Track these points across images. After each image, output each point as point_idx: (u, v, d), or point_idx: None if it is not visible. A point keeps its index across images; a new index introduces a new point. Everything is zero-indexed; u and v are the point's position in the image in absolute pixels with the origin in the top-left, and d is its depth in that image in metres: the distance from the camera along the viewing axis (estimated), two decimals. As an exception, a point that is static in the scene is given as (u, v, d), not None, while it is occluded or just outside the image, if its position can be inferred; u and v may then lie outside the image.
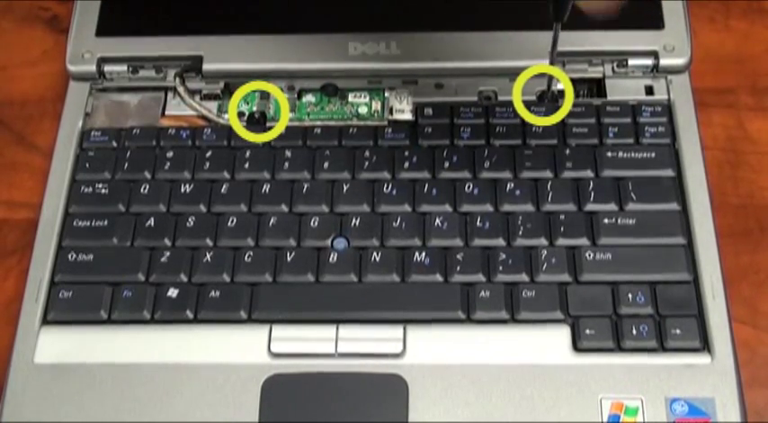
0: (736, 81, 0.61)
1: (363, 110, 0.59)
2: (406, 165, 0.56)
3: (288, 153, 0.57)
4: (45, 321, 0.53)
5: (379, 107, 0.59)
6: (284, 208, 0.55)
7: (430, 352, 0.51)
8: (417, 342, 0.51)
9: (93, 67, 0.59)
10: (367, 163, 0.56)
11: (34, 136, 0.61)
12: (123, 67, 0.60)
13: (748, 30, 0.63)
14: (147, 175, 0.57)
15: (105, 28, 0.60)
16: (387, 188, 0.55)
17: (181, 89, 0.60)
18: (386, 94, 0.59)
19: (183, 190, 0.56)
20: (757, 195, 0.58)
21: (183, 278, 0.53)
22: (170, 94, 0.60)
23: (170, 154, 0.57)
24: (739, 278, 0.54)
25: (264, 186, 0.56)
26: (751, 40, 0.63)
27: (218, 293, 0.53)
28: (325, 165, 0.56)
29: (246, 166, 0.57)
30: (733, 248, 0.55)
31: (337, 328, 0.51)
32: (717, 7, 0.64)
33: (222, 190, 0.56)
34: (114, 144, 0.58)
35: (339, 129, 0.58)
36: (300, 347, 0.51)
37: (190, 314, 0.52)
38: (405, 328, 0.51)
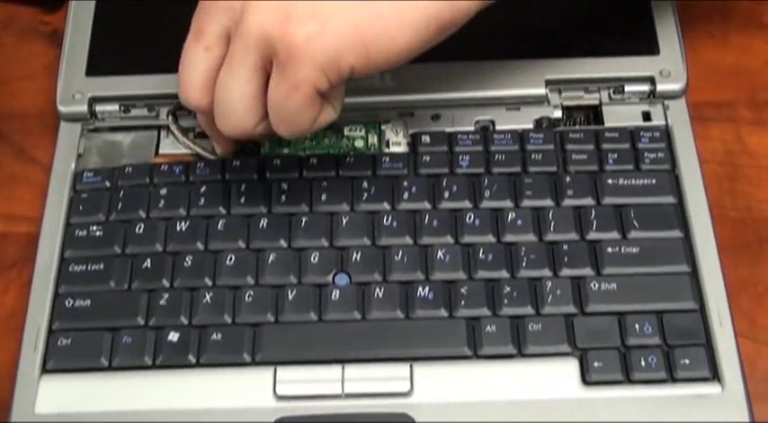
0: (735, 95, 0.61)
1: (359, 143, 0.58)
2: (406, 195, 0.55)
3: (284, 185, 0.56)
4: (44, 370, 0.52)
5: (375, 140, 0.58)
6: (283, 243, 0.54)
7: (437, 390, 0.50)
8: (424, 380, 0.50)
9: (84, 108, 0.58)
10: (366, 194, 0.56)
11: (34, 149, 0.61)
12: (115, 107, 0.59)
13: (746, 44, 0.63)
14: (142, 213, 0.56)
15: (95, 67, 0.59)
16: (387, 220, 0.55)
17: (173, 127, 0.59)
18: (382, 127, 0.59)
19: (178, 228, 0.55)
20: (756, 208, 0.57)
21: (184, 320, 0.52)
22: (163, 133, 0.59)
23: (163, 191, 0.56)
24: (738, 291, 0.54)
25: (261, 221, 0.55)
26: (749, 55, 0.63)
27: (219, 336, 0.52)
28: (323, 196, 0.56)
29: (242, 200, 0.56)
30: (732, 261, 0.55)
31: (343, 369, 0.51)
32: (715, 22, 0.64)
33: (219, 226, 0.55)
34: (107, 184, 0.57)
35: (336, 158, 0.57)
36: (307, 389, 0.50)
37: (192, 358, 0.51)
38: (411, 367, 0.51)
